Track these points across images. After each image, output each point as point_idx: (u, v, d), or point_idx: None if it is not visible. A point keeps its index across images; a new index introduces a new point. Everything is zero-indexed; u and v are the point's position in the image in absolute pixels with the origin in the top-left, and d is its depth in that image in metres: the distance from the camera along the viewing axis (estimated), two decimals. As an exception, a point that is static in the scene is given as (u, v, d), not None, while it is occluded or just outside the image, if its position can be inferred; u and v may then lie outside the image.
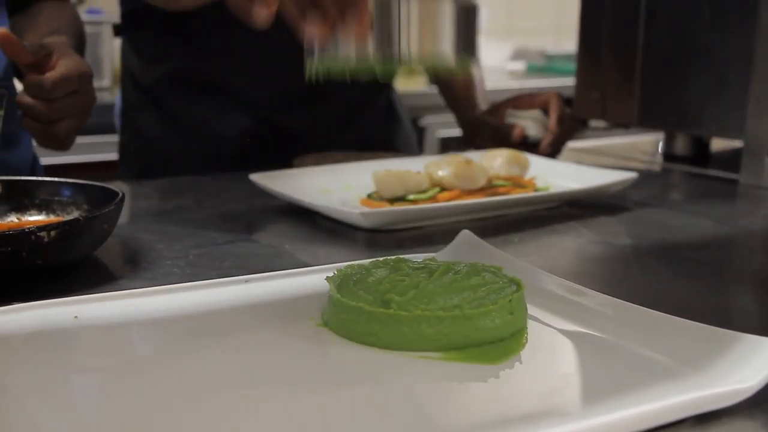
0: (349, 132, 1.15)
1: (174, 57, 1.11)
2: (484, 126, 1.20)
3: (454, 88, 1.25)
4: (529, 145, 1.10)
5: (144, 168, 1.16)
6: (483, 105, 1.22)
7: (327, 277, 0.51)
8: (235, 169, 1.00)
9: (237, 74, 1.10)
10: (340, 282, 0.50)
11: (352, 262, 0.55)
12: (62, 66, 0.76)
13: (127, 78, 1.17)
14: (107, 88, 2.02)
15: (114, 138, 1.30)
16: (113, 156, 1.28)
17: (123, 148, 1.22)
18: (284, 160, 1.01)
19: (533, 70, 3.00)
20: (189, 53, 1.10)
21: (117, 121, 1.24)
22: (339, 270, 0.53)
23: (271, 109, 1.11)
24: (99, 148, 1.75)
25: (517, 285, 0.50)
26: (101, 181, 0.71)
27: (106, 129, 1.63)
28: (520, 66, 3.03)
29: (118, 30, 1.18)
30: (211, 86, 1.11)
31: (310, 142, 1.09)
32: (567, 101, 1.21)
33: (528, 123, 1.14)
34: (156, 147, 1.16)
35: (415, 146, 1.28)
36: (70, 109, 0.77)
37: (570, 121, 1.15)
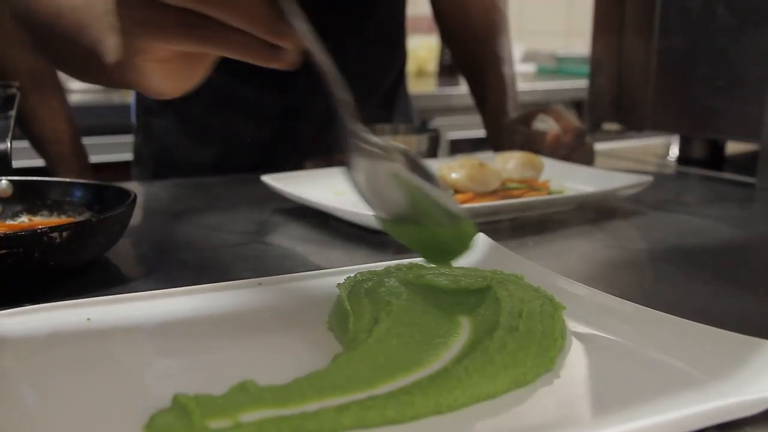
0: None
1: None
2: (519, 134, 1.16)
3: (486, 94, 1.23)
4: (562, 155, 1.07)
5: (158, 170, 1.17)
6: (513, 113, 1.19)
7: (338, 284, 0.51)
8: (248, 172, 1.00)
9: (252, 86, 1.11)
10: (351, 289, 0.50)
11: (363, 267, 0.55)
12: None
13: None
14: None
15: (129, 139, 1.30)
16: (128, 156, 1.29)
17: (137, 150, 1.23)
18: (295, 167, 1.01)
19: (544, 72, 3.00)
20: None
21: (133, 121, 1.25)
22: (349, 278, 0.52)
23: (284, 120, 1.13)
24: (115, 149, 1.76)
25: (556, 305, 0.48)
26: (114, 182, 0.71)
27: (123, 129, 1.64)
28: (530, 68, 3.03)
29: None
30: (227, 98, 1.12)
31: (321, 147, 1.09)
32: (577, 105, 1.20)
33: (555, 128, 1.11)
34: (170, 151, 1.17)
35: None
36: None
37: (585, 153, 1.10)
